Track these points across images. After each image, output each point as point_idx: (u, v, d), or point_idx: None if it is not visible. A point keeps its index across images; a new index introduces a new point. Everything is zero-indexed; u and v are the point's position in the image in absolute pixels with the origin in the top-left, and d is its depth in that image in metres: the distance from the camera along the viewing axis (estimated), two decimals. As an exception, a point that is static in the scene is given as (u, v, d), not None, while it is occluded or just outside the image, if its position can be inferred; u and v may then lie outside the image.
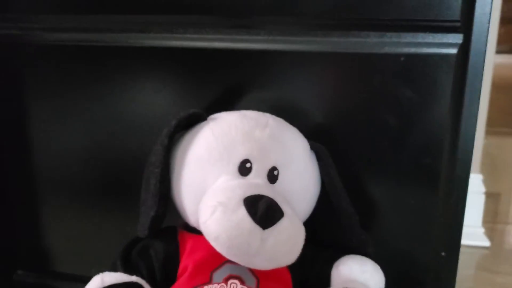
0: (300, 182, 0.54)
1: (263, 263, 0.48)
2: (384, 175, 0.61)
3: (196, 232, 0.53)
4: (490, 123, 1.24)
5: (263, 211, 0.46)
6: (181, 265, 0.52)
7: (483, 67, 0.56)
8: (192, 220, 0.53)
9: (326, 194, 0.56)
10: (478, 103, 0.57)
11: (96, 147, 0.70)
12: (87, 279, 0.50)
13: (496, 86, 1.27)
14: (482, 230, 1.18)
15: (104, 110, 0.68)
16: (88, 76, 0.67)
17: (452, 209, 0.60)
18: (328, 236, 0.57)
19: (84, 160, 0.71)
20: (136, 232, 0.55)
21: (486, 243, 1.16)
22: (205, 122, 0.54)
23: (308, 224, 0.53)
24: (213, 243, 0.47)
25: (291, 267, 0.53)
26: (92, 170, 0.71)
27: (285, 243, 0.47)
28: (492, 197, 1.38)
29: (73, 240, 0.76)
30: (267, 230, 0.46)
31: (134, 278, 0.44)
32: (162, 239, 0.54)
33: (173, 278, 0.52)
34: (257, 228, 0.45)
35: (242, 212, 0.46)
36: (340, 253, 0.55)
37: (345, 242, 0.56)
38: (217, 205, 0.47)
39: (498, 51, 1.20)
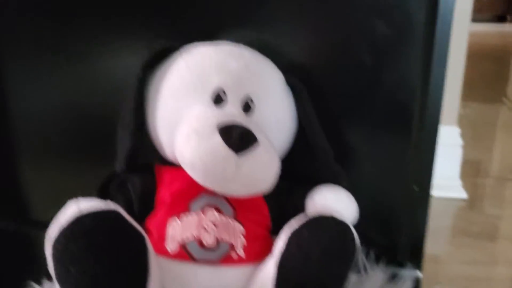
0: (276, 114, 0.54)
1: (239, 189, 0.48)
2: (360, 114, 0.62)
3: (173, 165, 0.53)
4: (471, 86, 1.25)
5: (237, 137, 0.46)
6: (159, 197, 0.53)
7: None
8: (168, 152, 0.53)
9: (302, 130, 0.57)
10: (449, 37, 0.58)
11: (74, 101, 0.70)
12: None
13: (476, 54, 1.28)
14: (460, 182, 1.20)
15: (80, 64, 0.67)
16: (63, 32, 0.67)
17: (424, 143, 0.61)
18: (304, 171, 0.58)
19: (62, 113, 0.71)
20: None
21: (463, 195, 1.18)
22: (178, 53, 0.54)
23: (286, 160, 0.54)
24: (189, 171, 0.48)
25: (268, 198, 0.55)
26: (70, 123, 0.71)
27: (260, 169, 0.48)
28: (472, 157, 1.41)
29: (52, 190, 0.76)
30: (241, 156, 0.46)
31: (111, 205, 0.45)
32: (139, 173, 0.55)
33: (151, 210, 0.53)
34: (231, 153, 0.46)
35: (216, 138, 0.46)
36: (315, 186, 0.56)
37: (320, 176, 0.57)
38: (192, 133, 0.47)
39: (480, 20, 1.21)
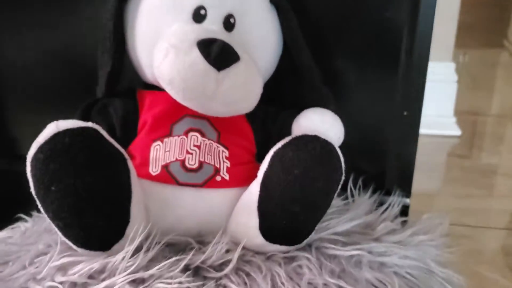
0: (259, 32, 0.53)
1: (220, 108, 0.47)
2: (348, 36, 0.60)
3: (155, 89, 0.52)
4: (471, 31, 1.23)
5: (217, 52, 0.45)
6: (141, 120, 0.52)
7: None
8: (148, 74, 0.52)
9: (289, 53, 0.55)
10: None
11: (61, 43, 0.68)
12: None
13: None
14: (454, 119, 1.19)
15: (65, 8, 0.66)
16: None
17: (414, 66, 0.60)
18: (290, 94, 0.57)
19: (49, 56, 0.70)
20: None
21: (458, 132, 1.18)
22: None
23: (271, 84, 0.53)
24: (167, 88, 0.47)
25: (253, 122, 0.54)
26: (58, 65, 0.70)
27: (241, 87, 0.47)
28: (471, 100, 1.39)
29: (40, 127, 0.75)
30: (222, 72, 0.45)
31: (90, 124, 0.44)
32: (120, 97, 0.53)
33: (133, 134, 0.52)
34: (211, 69, 0.45)
35: (196, 53, 0.45)
36: (302, 109, 0.55)
37: (307, 100, 0.56)
38: (170, 48, 0.46)
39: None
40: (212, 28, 0.49)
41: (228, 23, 0.50)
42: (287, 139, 0.47)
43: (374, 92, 0.62)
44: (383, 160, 0.65)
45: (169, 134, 0.50)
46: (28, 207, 0.68)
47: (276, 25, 0.55)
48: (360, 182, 0.63)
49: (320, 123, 0.52)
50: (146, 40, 0.50)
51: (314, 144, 0.46)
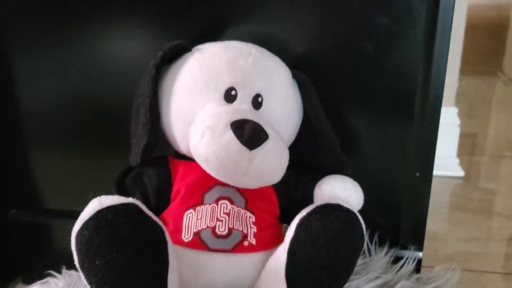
0: (283, 108, 0.57)
1: (251, 182, 0.51)
2: (363, 102, 0.64)
3: (186, 159, 0.56)
4: (466, 62, 1.27)
5: (249, 133, 0.49)
6: (174, 189, 0.55)
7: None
8: (182, 147, 0.56)
9: (308, 121, 0.59)
10: (450, 31, 0.60)
11: (83, 88, 0.71)
12: (78, 214, 0.51)
13: (472, 28, 1.29)
14: (457, 161, 1.23)
15: (89, 51, 0.69)
16: (71, 21, 0.68)
17: (426, 132, 0.64)
18: (311, 161, 0.61)
19: (72, 101, 0.72)
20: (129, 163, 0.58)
21: (460, 173, 1.22)
22: (190, 53, 0.56)
23: (292, 150, 0.56)
24: (203, 165, 0.50)
25: (277, 188, 0.57)
26: (80, 111, 0.72)
27: (271, 162, 0.51)
28: (468, 132, 1.43)
29: (64, 178, 0.78)
30: (253, 151, 0.49)
31: (130, 200, 0.47)
32: (154, 166, 0.57)
33: (166, 202, 0.55)
34: (244, 149, 0.48)
35: (230, 134, 0.49)
36: (323, 175, 0.59)
37: (326, 165, 0.59)
38: (206, 129, 0.49)
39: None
40: (242, 107, 0.53)
41: (256, 102, 0.54)
42: (311, 208, 0.51)
43: (388, 151, 0.66)
44: (397, 215, 0.68)
45: (201, 203, 0.54)
46: (53, 260, 0.71)
47: (298, 98, 0.59)
48: (376, 238, 0.66)
49: (342, 190, 0.56)
50: (181, 116, 0.54)
51: (338, 213, 0.50)
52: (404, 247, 0.68)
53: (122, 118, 0.60)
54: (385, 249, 0.65)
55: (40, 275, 0.68)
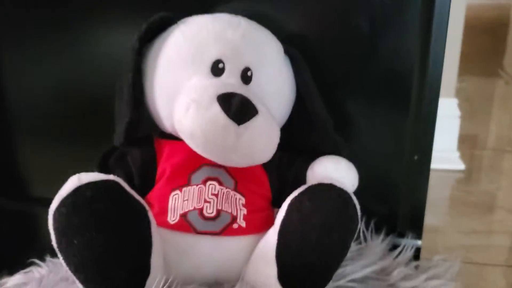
0: (274, 83, 0.54)
1: (239, 159, 0.48)
2: (357, 84, 0.62)
3: (173, 138, 0.53)
4: (467, 60, 1.25)
5: (237, 107, 0.46)
6: (159, 170, 0.53)
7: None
8: (167, 125, 0.53)
9: (301, 100, 0.56)
10: (449, 4, 0.57)
11: (71, 79, 0.69)
12: None
13: (472, 27, 1.27)
14: (457, 154, 1.20)
15: (76, 44, 0.67)
16: (60, 9, 0.65)
17: (424, 112, 0.61)
18: (304, 141, 0.58)
19: (59, 92, 0.70)
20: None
21: (461, 166, 1.19)
22: (175, 25, 0.54)
23: (284, 130, 0.54)
24: (188, 141, 0.48)
25: (268, 170, 0.55)
26: (68, 102, 0.70)
27: (260, 139, 0.48)
28: (469, 129, 1.41)
29: (50, 167, 0.75)
30: (241, 126, 0.46)
31: (111, 176, 0.45)
32: (138, 146, 0.54)
33: (151, 183, 0.53)
34: (231, 123, 0.46)
35: (216, 108, 0.46)
36: (316, 156, 0.56)
37: (320, 146, 0.57)
38: (191, 102, 0.47)
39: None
40: (230, 81, 0.50)
41: (246, 76, 0.52)
42: (303, 188, 0.48)
43: (385, 135, 0.64)
44: (394, 202, 0.66)
45: (188, 184, 0.51)
46: (39, 250, 0.68)
47: (290, 75, 0.56)
48: (372, 225, 0.64)
49: (335, 171, 0.53)
50: (165, 92, 0.52)
51: (331, 193, 0.47)
52: (402, 235, 0.65)
53: (110, 108, 0.57)
54: (381, 236, 0.62)
55: (25, 265, 0.66)
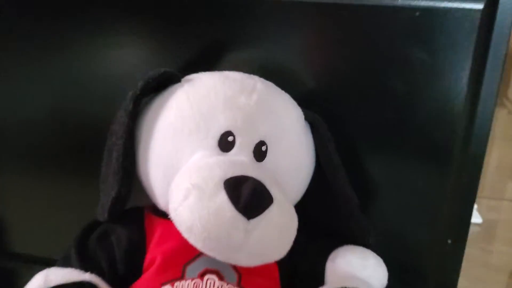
0: (293, 159, 0.45)
1: (248, 260, 0.39)
2: (389, 152, 0.53)
3: (167, 216, 0.43)
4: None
5: (248, 196, 0.37)
6: (148, 256, 0.44)
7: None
8: (161, 203, 0.44)
9: (321, 172, 0.48)
10: (502, 69, 0.49)
11: (57, 113, 0.60)
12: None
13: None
14: (475, 207, 1.11)
15: (66, 70, 0.58)
16: (49, 33, 0.57)
17: (464, 191, 0.52)
18: (322, 222, 0.49)
19: (42, 130, 0.61)
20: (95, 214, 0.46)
21: (478, 219, 1.10)
22: (179, 84, 0.45)
23: (300, 207, 0.45)
24: (186, 235, 0.39)
25: (280, 259, 0.45)
26: (51, 142, 0.62)
27: (274, 235, 0.39)
28: (485, 174, 1.32)
29: (31, 219, 0.67)
30: (252, 220, 0.37)
31: (87, 276, 0.36)
32: (125, 223, 0.45)
33: (138, 271, 0.43)
34: (240, 217, 0.37)
35: (222, 197, 0.37)
36: (337, 242, 0.47)
37: (342, 230, 0.48)
38: (191, 188, 0.38)
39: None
40: (241, 159, 0.41)
41: (260, 152, 0.43)
42: None
43: (415, 213, 0.54)
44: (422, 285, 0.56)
45: (181, 277, 0.42)
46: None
47: (310, 145, 0.47)
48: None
49: (362, 269, 0.44)
50: (162, 165, 0.43)
51: None
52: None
53: (100, 153, 0.48)
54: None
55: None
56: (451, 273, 0.56)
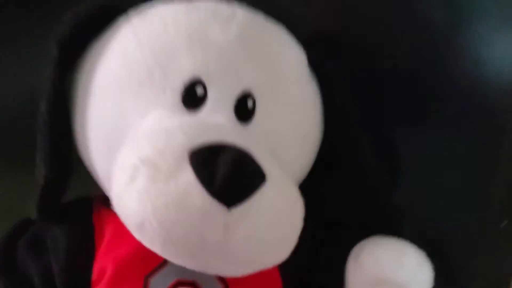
0: (292, 118, 0.32)
1: (231, 267, 0.27)
2: (427, 117, 0.39)
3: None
4: None
5: (227, 173, 0.25)
6: (97, 266, 0.31)
7: None
8: (107, 188, 0.32)
9: (334, 139, 0.35)
10: None
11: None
12: None
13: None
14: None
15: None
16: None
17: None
18: (338, 207, 0.37)
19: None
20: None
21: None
22: (124, 18, 0.32)
23: (306, 188, 0.32)
24: (136, 235, 0.26)
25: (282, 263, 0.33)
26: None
27: (269, 229, 0.27)
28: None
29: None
30: (234, 209, 0.25)
31: None
32: (66, 221, 0.33)
33: (83, 286, 0.31)
34: (215, 205, 0.25)
35: (187, 176, 0.25)
36: (360, 233, 0.35)
37: (365, 216, 0.36)
38: (140, 165, 0.25)
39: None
40: (216, 120, 0.29)
41: (244, 109, 0.30)
42: None
43: (457, 195, 0.41)
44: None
45: (143, 292, 0.30)
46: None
47: (316, 100, 0.35)
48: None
49: (398, 269, 0.32)
50: (103, 135, 0.31)
51: None
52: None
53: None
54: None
55: None
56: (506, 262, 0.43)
